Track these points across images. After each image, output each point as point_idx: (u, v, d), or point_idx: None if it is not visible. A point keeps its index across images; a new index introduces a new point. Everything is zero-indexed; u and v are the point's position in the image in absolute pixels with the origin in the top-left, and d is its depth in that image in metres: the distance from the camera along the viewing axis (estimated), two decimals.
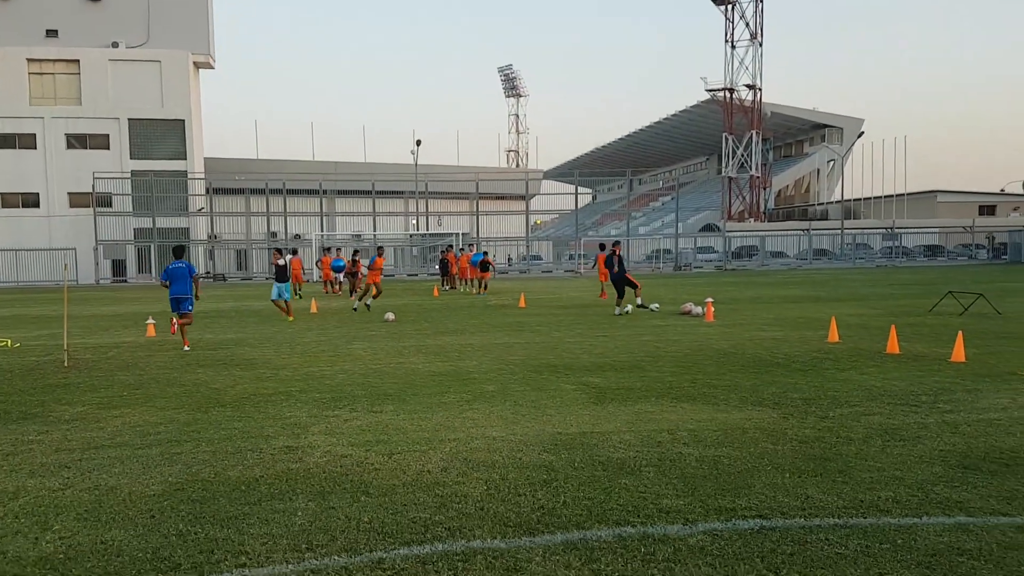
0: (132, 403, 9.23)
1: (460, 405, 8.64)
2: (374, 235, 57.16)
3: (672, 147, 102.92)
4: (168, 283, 14.39)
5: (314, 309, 22.91)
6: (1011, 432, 7.01)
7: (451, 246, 40.19)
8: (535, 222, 79.28)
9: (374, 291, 23.38)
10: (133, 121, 55.45)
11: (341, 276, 31.81)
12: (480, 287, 31.01)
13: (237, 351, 13.90)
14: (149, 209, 52.68)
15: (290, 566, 4.38)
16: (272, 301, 20.56)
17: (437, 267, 41.87)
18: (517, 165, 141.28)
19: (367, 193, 57.35)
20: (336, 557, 4.48)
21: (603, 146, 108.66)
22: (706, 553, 4.47)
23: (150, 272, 52.17)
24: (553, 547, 4.56)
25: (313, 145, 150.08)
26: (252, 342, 15.29)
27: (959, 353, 11.10)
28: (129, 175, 54.44)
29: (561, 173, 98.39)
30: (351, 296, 31.15)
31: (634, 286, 19.85)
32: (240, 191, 58.47)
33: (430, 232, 57.38)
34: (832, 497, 5.38)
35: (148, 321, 17.54)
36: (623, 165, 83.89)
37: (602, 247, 29.83)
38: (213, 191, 55.41)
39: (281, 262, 20.45)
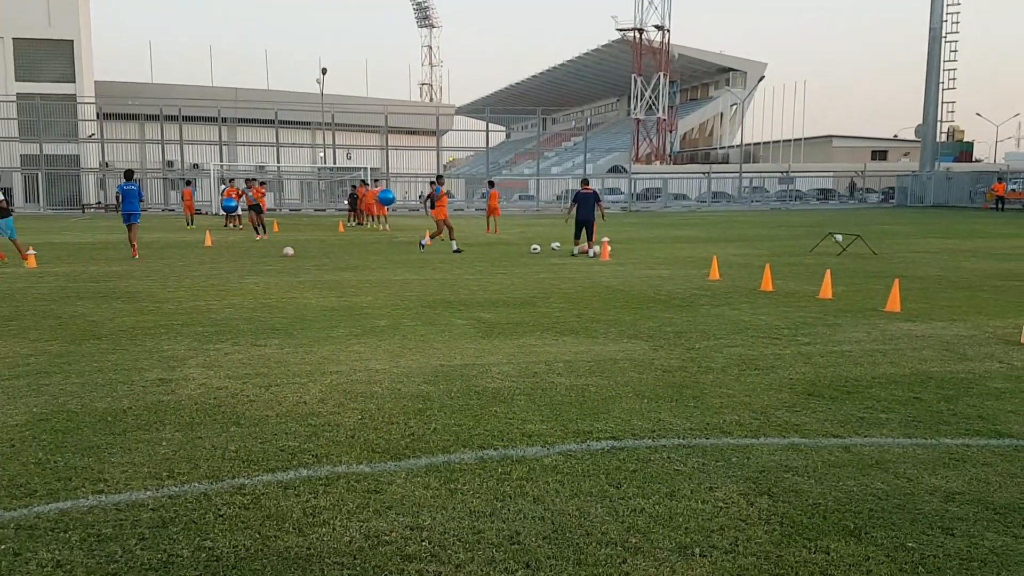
0: (3, 335, 8.87)
1: (348, 339, 8.63)
2: (278, 167, 55.51)
3: (584, 87, 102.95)
4: (121, 199, 18.57)
5: (208, 242, 22.22)
6: (859, 363, 7.51)
7: (363, 181, 39.37)
8: (448, 159, 78.50)
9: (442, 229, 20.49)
10: (18, 41, 51.91)
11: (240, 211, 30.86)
12: (384, 223, 30.70)
13: (120, 284, 13.45)
14: (36, 135, 49.51)
15: (148, 492, 4.36)
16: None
17: (346, 202, 41.10)
18: (431, 99, 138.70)
19: (270, 123, 55.41)
20: (196, 484, 4.48)
21: (517, 83, 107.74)
22: (558, 471, 4.69)
23: (38, 201, 49.33)
24: (416, 470, 4.68)
25: (212, 70, 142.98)
26: (138, 275, 14.80)
27: (827, 290, 11.73)
28: (14, 98, 51.19)
29: (474, 109, 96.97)
30: (257, 234, 30.36)
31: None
32: (134, 117, 55.57)
33: (338, 166, 56.11)
34: (681, 420, 5.70)
35: (28, 252, 16.69)
36: (536, 104, 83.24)
37: (491, 183, 30.22)
38: (104, 116, 52.49)
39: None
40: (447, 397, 6.31)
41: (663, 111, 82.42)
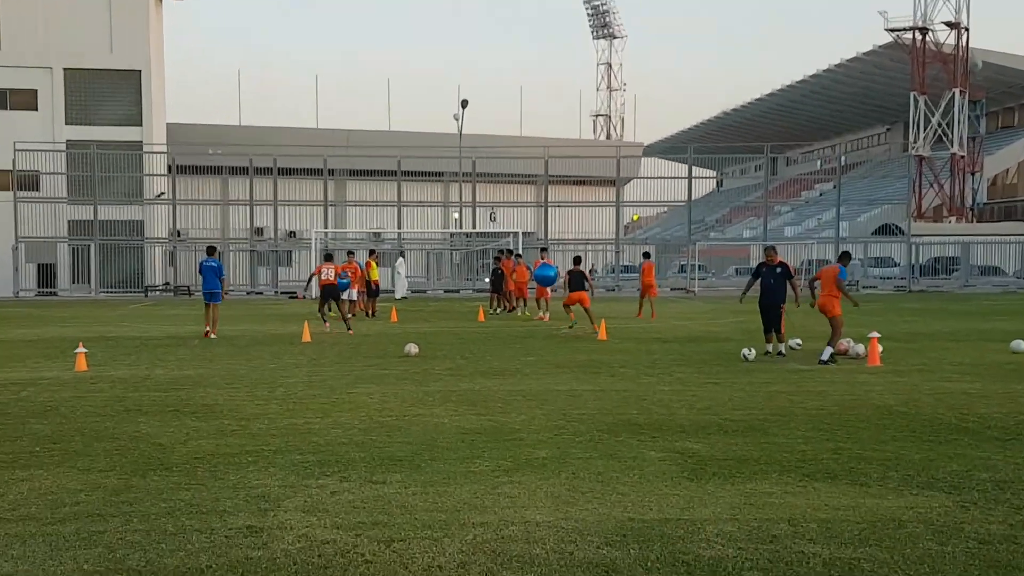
0: (46, 462, 9.62)
1: (496, 476, 8.80)
2: (399, 234, 58.02)
3: (833, 113, 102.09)
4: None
5: (307, 337, 23.41)
6: None
7: (508, 250, 40.49)
8: (631, 218, 79.56)
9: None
10: (70, 72, 57.31)
11: (351, 292, 32.53)
12: (544, 310, 31.25)
13: (195, 394, 14.33)
14: (90, 194, 54.06)
15: None
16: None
17: (487, 280, 42.29)
18: (608, 136, 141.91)
19: (390, 174, 58.22)
20: None
21: (730, 112, 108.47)
22: None
23: (89, 281, 53.63)
24: None
25: (317, 107, 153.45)
26: (217, 382, 15.72)
27: None
28: (64, 145, 56.06)
29: (669, 148, 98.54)
30: (368, 315, 31.97)
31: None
32: (215, 170, 59.97)
33: (478, 231, 57.98)
34: None
35: (77, 351, 18.19)
36: (759, 139, 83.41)
37: (647, 255, 33.61)
38: (178, 170, 56.95)
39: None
40: (641, 568, 6.27)
41: (960, 144, 79.76)
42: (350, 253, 34.01)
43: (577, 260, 27.61)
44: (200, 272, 25.16)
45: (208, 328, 24.68)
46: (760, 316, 19.94)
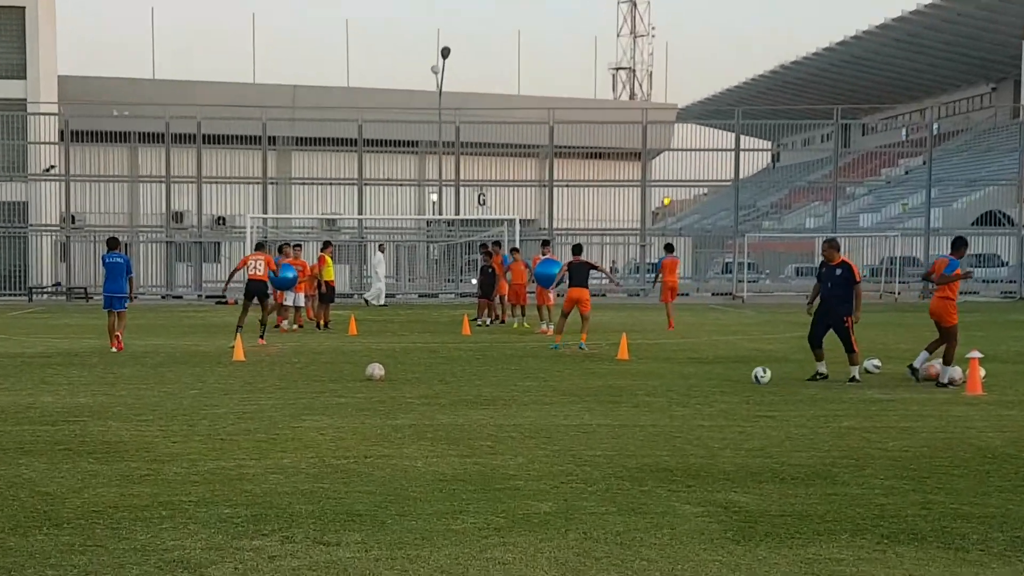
0: None
1: (484, 536, 8.77)
2: (360, 221, 57.83)
3: (923, 68, 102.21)
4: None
5: (239, 354, 23.36)
6: None
7: (497, 242, 40.36)
8: (661, 201, 79.48)
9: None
10: None
11: (296, 296, 32.34)
12: (546, 321, 31.14)
13: (93, 427, 14.29)
14: None
15: None
16: None
17: (475, 282, 42.20)
18: (632, 95, 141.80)
19: (349, 144, 58.01)
20: None
21: (789, 65, 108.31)
22: None
23: None
24: None
25: (255, 57, 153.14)
26: (122, 412, 15.69)
27: None
28: None
29: (711, 111, 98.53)
30: (319, 327, 31.94)
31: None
32: (122, 137, 59.67)
33: (464, 218, 57.82)
34: None
35: None
36: (827, 100, 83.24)
37: (669, 248, 34.61)
38: (73, 136, 56.69)
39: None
40: None
41: None
42: (296, 246, 33.66)
43: (578, 249, 27.50)
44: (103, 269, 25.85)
45: (112, 341, 25.12)
46: (811, 326, 19.80)
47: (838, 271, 19.35)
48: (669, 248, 34.98)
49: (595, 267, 27.09)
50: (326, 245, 35.28)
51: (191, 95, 65.76)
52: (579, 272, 26.13)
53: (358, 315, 35.33)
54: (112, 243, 26.40)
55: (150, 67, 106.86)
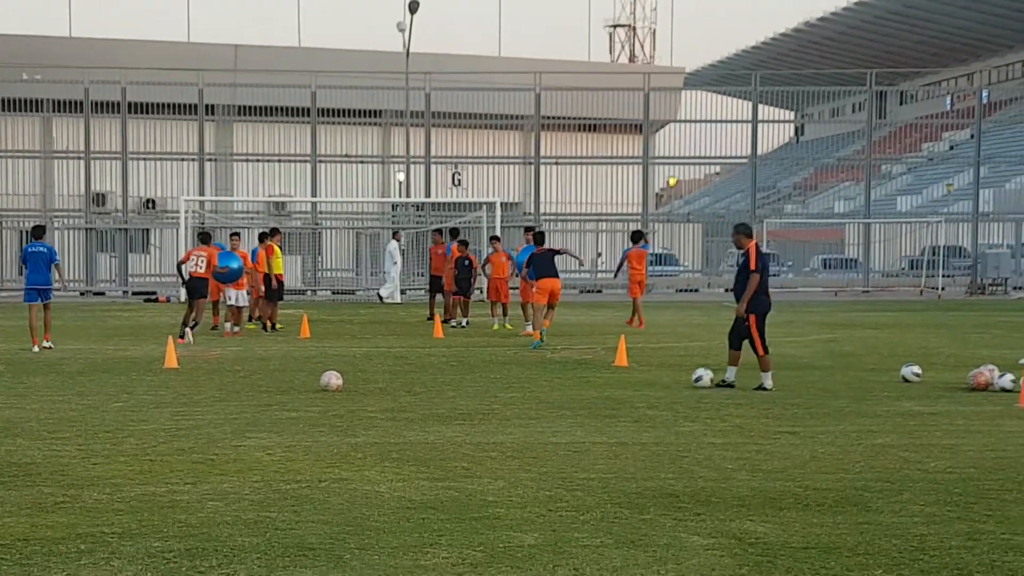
0: None
1: (459, 573, 8.75)
2: (313, 205, 57.83)
3: (970, 27, 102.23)
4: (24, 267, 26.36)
5: (171, 361, 23.30)
6: None
7: (496, 237, 40.19)
8: (667, 181, 79.55)
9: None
10: None
11: (239, 294, 32.26)
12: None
13: (0, 446, 14.22)
14: None
15: None
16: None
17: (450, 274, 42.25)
18: (632, 58, 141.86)
19: (301, 113, 57.97)
20: None
21: (815, 22, 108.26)
22: None
23: None
24: None
25: (189, 11, 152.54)
26: (34, 428, 15.62)
27: None
28: None
29: (724, 76, 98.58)
30: (266, 328, 32.04)
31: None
32: (34, 106, 59.58)
33: (436, 200, 57.80)
34: None
35: None
36: (860, 64, 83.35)
37: (636, 236, 35.17)
38: None
39: None
40: None
41: None
42: (234, 235, 33.58)
43: (540, 237, 28.27)
44: (23, 261, 27.71)
45: (36, 339, 26.40)
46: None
47: (742, 259, 19.66)
48: (637, 236, 35.33)
49: (559, 252, 27.35)
50: (273, 232, 35.04)
51: (115, 56, 65.36)
52: (547, 262, 26.73)
53: (311, 315, 35.30)
54: (37, 231, 27.92)
55: (67, 24, 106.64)
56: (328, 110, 58.65)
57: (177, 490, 11.68)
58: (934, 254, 57.81)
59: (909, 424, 16.02)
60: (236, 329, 31.29)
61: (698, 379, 19.85)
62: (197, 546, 9.52)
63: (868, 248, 60.43)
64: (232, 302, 31.21)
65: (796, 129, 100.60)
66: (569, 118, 62.25)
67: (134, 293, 52.92)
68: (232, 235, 33.51)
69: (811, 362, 24.16)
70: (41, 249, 26.70)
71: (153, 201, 57.94)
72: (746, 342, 19.74)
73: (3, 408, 17.52)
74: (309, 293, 53.52)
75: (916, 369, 20.80)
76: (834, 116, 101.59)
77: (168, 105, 58.07)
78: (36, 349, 25.98)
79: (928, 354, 24.13)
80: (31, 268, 26.63)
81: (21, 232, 55.82)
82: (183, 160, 57.11)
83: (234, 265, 29.42)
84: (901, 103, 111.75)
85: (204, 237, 31.67)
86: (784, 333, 31.37)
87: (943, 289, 55.03)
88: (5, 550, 9.41)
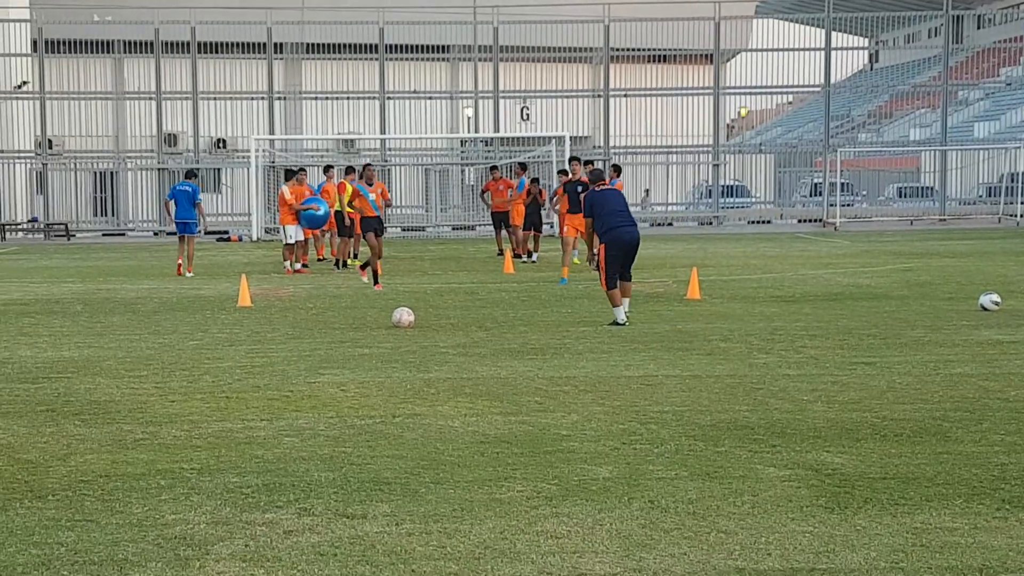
0: None
1: (534, 506, 8.78)
2: (383, 142, 57.77)
3: None
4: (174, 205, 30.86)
5: (244, 299, 23.42)
6: None
7: (561, 171, 40.14)
8: (738, 112, 78.90)
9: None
10: None
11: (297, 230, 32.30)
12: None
13: (79, 385, 14.41)
14: None
15: None
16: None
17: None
18: None
19: (368, 50, 57.79)
20: None
21: None
22: None
23: None
24: None
25: None
26: (112, 367, 15.81)
27: None
28: None
29: (796, 3, 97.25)
30: (339, 266, 32.23)
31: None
32: (105, 47, 59.68)
33: (505, 136, 57.64)
34: None
35: None
36: None
37: (614, 170, 34.76)
38: (48, 47, 56.70)
39: None
40: None
41: None
42: (301, 171, 34.07)
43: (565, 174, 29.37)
44: (171, 198, 31.61)
45: (181, 263, 30.80)
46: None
47: (579, 188, 19.58)
48: (614, 170, 34.94)
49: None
50: (349, 170, 35.02)
51: None
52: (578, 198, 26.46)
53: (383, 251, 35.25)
54: (190, 174, 32.84)
55: None
56: (396, 46, 58.60)
57: (253, 426, 11.81)
58: (1012, 181, 57.12)
59: (988, 353, 15.93)
60: (298, 266, 31.40)
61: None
62: (274, 481, 9.61)
63: (944, 176, 59.93)
64: (291, 240, 31.31)
65: (870, 56, 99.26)
66: (638, 49, 61.83)
67: (206, 232, 53.13)
68: (299, 171, 33.68)
69: (887, 292, 23.98)
70: (186, 188, 30.36)
71: (224, 140, 58.08)
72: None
73: (82, 347, 17.74)
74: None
75: (995, 297, 20.62)
76: (909, 42, 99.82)
77: (237, 44, 58.18)
78: (189, 274, 30.46)
79: (1007, 282, 23.91)
80: (178, 205, 30.29)
81: (95, 173, 56.22)
82: (252, 99, 57.22)
83: (321, 211, 30.02)
84: (979, 27, 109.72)
85: (293, 173, 32.58)
86: (860, 263, 31.18)
87: (1022, 216, 54.38)
88: (88, 486, 9.53)
